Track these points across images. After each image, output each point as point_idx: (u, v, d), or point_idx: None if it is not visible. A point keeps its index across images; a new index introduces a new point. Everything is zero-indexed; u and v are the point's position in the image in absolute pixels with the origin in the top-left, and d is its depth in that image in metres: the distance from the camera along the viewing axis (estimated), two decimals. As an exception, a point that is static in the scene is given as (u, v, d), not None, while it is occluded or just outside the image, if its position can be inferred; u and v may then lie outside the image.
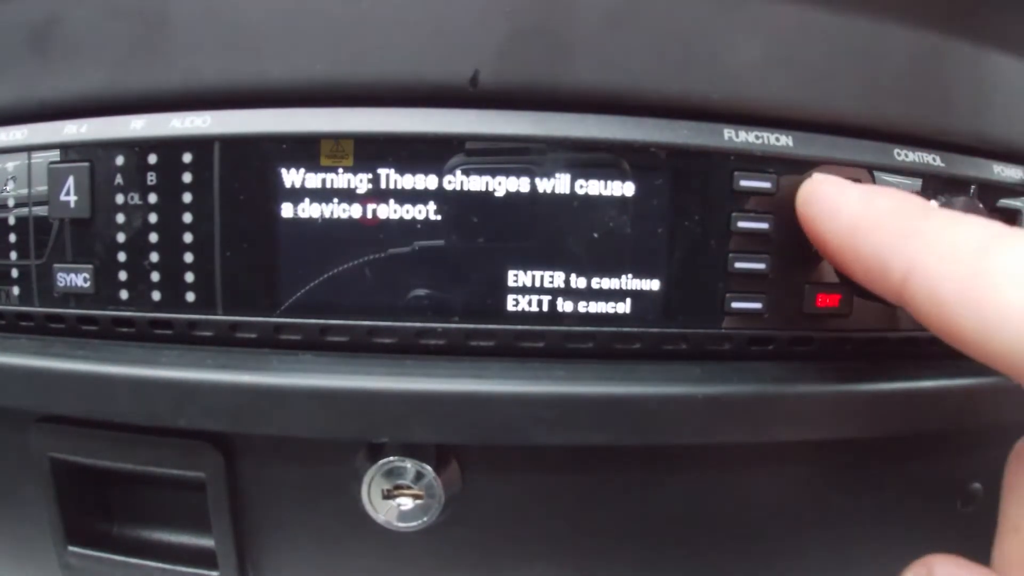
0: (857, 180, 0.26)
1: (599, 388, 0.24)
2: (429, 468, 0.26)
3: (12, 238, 0.26)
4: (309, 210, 0.24)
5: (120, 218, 0.25)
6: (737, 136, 0.25)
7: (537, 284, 0.25)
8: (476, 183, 0.24)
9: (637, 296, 0.25)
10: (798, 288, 0.26)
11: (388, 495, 0.26)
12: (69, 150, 0.26)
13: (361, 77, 0.24)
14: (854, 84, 0.26)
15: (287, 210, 0.24)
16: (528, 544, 0.29)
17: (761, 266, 0.25)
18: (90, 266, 0.26)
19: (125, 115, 0.25)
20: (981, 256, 0.18)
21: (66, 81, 0.26)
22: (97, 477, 0.29)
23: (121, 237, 0.25)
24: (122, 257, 0.26)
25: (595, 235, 0.25)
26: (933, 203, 0.24)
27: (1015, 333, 0.17)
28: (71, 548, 0.29)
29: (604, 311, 0.25)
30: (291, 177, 0.24)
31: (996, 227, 0.19)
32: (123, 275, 0.26)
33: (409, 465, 0.26)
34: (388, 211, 0.24)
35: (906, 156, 0.27)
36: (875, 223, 0.21)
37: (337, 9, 0.24)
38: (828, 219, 0.23)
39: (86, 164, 0.25)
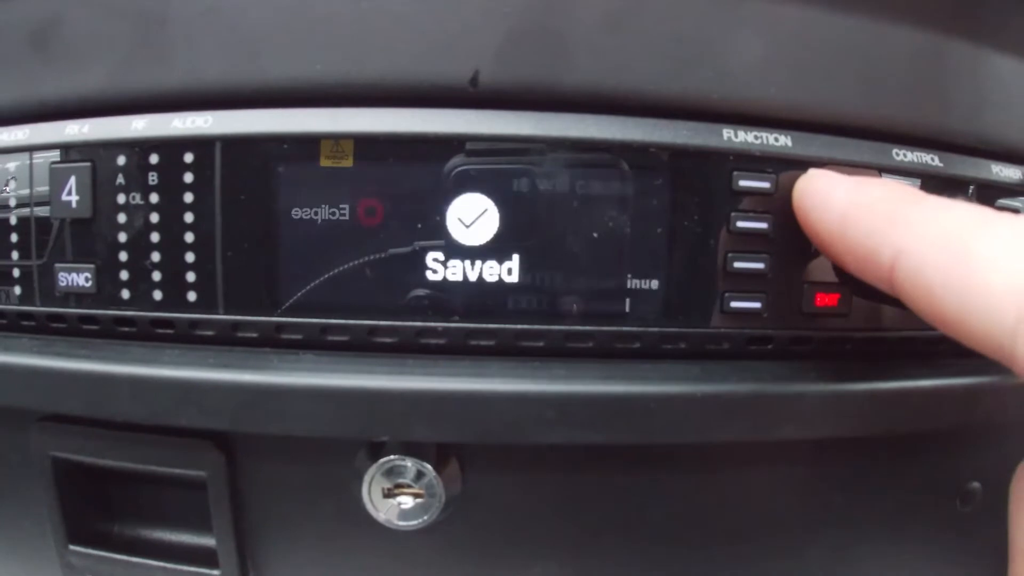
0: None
1: (599, 387, 0.24)
2: (429, 467, 0.26)
3: (14, 238, 0.27)
4: (309, 210, 0.25)
5: (121, 218, 0.25)
6: (736, 136, 0.25)
7: (537, 283, 0.25)
8: (476, 183, 0.24)
9: (637, 296, 0.25)
10: (797, 288, 0.26)
11: (389, 494, 0.27)
12: (71, 150, 0.26)
13: (361, 77, 0.24)
14: (853, 84, 0.26)
15: (288, 210, 0.25)
16: (528, 543, 0.29)
17: (760, 266, 0.25)
18: (91, 266, 0.26)
19: (127, 115, 0.25)
20: (966, 240, 0.18)
21: (67, 81, 0.26)
22: (98, 476, 0.29)
23: (123, 237, 0.26)
24: (123, 257, 0.26)
25: (595, 235, 0.25)
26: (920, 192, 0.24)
27: (996, 315, 0.17)
28: (72, 547, 0.29)
29: (604, 311, 0.25)
30: (292, 177, 0.24)
31: (982, 212, 0.19)
32: (124, 275, 0.26)
33: (409, 464, 0.26)
34: (388, 211, 0.25)
35: (905, 156, 0.27)
36: (864, 211, 0.22)
37: (337, 9, 0.24)
38: (820, 210, 0.23)
39: (88, 164, 0.25)
